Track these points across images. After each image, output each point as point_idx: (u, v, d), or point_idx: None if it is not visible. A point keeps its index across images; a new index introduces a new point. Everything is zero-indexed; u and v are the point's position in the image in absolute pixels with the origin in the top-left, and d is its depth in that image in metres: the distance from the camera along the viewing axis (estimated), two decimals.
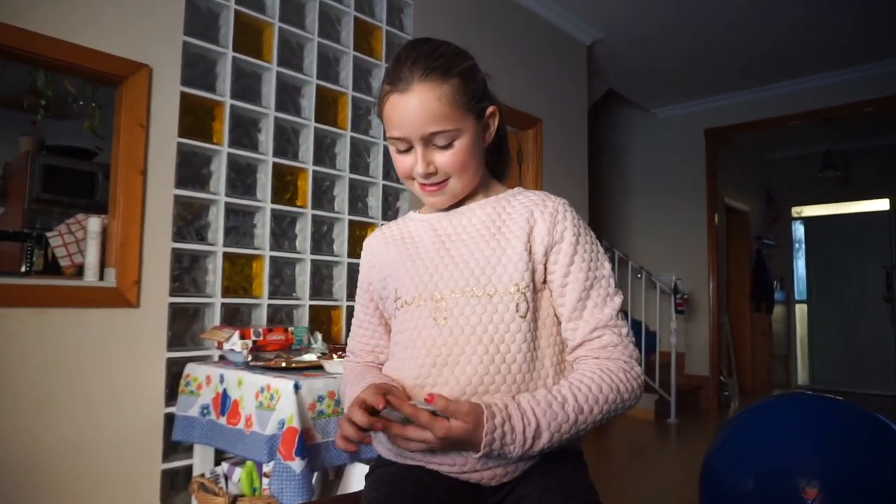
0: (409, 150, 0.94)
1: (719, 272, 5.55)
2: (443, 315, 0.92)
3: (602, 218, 5.78)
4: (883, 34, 4.12)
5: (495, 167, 1.09)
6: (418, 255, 0.99)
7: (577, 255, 0.94)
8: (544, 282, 0.95)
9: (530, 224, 0.95)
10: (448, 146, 0.92)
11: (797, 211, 7.20)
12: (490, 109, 0.98)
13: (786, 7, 3.76)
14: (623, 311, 0.96)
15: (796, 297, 7.16)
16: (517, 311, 0.90)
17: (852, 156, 6.46)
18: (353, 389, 0.95)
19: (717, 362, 5.39)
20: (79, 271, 2.18)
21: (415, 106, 0.89)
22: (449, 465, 0.89)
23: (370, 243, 1.08)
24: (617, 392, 0.89)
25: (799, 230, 7.25)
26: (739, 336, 6.21)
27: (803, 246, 7.22)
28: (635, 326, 4.98)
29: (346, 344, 1.16)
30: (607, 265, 0.97)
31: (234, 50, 2.35)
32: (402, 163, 0.95)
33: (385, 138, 1.02)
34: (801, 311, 7.16)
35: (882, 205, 6.56)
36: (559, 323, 0.95)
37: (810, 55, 4.47)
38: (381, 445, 0.98)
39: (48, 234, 2.27)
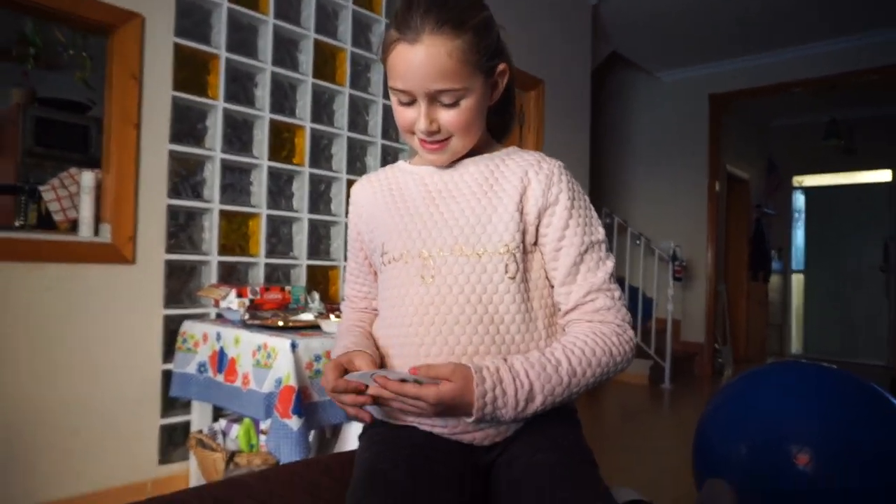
0: (411, 103, 0.89)
1: (718, 240, 5.53)
2: (430, 273, 0.89)
3: (602, 183, 5.74)
4: (892, 1, 4.01)
5: (498, 126, 1.05)
6: (406, 209, 0.96)
7: (571, 220, 0.92)
8: (535, 244, 0.93)
9: (524, 184, 0.92)
10: (454, 104, 0.88)
11: (798, 180, 7.15)
12: (500, 67, 0.93)
13: None
14: (615, 276, 0.95)
15: (793, 267, 7.18)
16: (506, 272, 0.89)
17: (856, 125, 6.38)
18: (336, 351, 0.96)
19: (712, 330, 5.43)
20: (73, 226, 2.16)
21: (423, 60, 0.83)
22: (441, 426, 0.89)
23: (357, 192, 1.05)
24: (610, 355, 0.88)
25: (799, 200, 7.21)
26: (736, 304, 6.24)
27: (803, 216, 7.19)
28: (633, 293, 4.99)
29: (343, 303, 1.15)
30: (601, 229, 0.95)
31: (230, 1, 2.27)
32: (403, 116, 0.91)
33: (386, 87, 0.97)
34: (797, 280, 7.18)
35: (884, 175, 6.51)
36: (550, 286, 0.94)
37: (817, 21, 4.37)
38: (374, 407, 0.97)
39: (41, 188, 2.24)
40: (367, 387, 0.84)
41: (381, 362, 0.92)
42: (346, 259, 2.65)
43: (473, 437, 0.89)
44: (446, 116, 0.89)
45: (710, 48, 4.99)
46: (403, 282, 0.92)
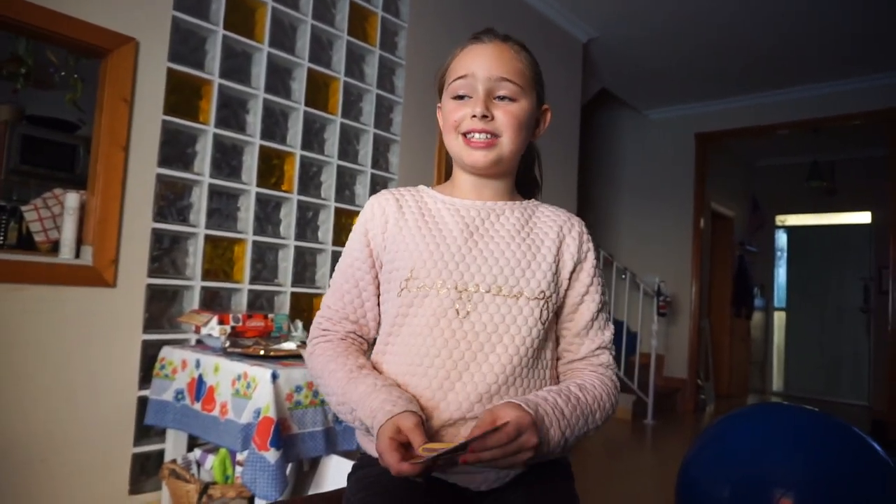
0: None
1: (702, 276, 5.58)
2: (465, 308, 0.88)
3: (588, 216, 5.78)
4: (873, 48, 4.14)
5: (524, 186, 1.10)
6: (443, 239, 0.93)
7: (595, 279, 0.98)
8: (563, 297, 0.97)
9: (560, 238, 0.97)
10: (511, 100, 0.93)
11: (781, 219, 7.27)
12: (545, 106, 1.03)
13: (781, 16, 3.77)
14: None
15: (775, 305, 7.25)
16: (540, 317, 0.91)
17: (838, 167, 6.52)
18: (368, 399, 0.84)
19: (695, 365, 5.44)
20: (54, 247, 2.13)
21: (494, 51, 0.93)
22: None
23: (383, 204, 0.98)
24: (610, 404, 0.93)
25: (782, 238, 7.32)
26: (718, 340, 6.27)
27: (785, 254, 7.29)
28: (617, 327, 4.99)
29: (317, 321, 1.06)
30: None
31: (225, 28, 2.29)
32: (455, 111, 0.94)
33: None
34: (779, 318, 7.24)
35: (864, 217, 6.64)
36: (556, 338, 0.98)
37: (802, 66, 4.50)
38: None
39: (23, 208, 2.21)
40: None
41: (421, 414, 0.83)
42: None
43: (471, 480, 0.88)
44: (501, 110, 0.92)
45: (697, 89, 5.10)
46: (435, 312, 0.88)
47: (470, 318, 0.88)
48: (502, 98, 0.92)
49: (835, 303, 6.73)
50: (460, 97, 0.94)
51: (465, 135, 0.93)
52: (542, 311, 0.91)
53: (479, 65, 0.92)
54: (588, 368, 0.96)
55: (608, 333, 0.98)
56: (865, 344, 6.43)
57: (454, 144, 0.95)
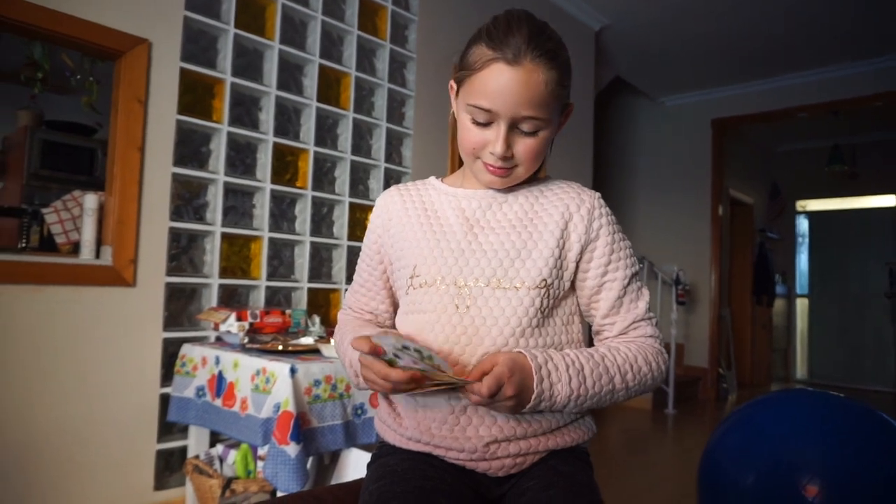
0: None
1: (722, 264, 5.51)
2: (465, 303, 0.88)
3: None
4: (893, 28, 4.04)
5: None
6: (444, 235, 0.93)
7: (613, 255, 0.93)
8: (573, 280, 0.94)
9: (565, 219, 0.92)
10: (533, 133, 0.87)
11: (801, 205, 7.15)
12: (570, 107, 0.96)
13: None
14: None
15: (798, 292, 7.14)
16: (541, 305, 0.89)
17: (860, 150, 6.39)
18: (348, 339, 0.93)
19: (716, 354, 5.38)
20: (74, 248, 2.16)
21: (521, 83, 0.83)
22: (458, 450, 0.87)
23: (387, 204, 1.00)
24: (648, 367, 0.90)
25: (803, 224, 7.20)
26: (739, 329, 6.19)
27: (807, 240, 7.18)
28: None
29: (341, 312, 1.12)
30: (635, 258, 0.97)
31: (236, 26, 2.30)
32: (475, 136, 0.88)
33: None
34: (801, 305, 7.14)
35: (888, 200, 6.50)
36: (581, 318, 0.96)
37: (820, 47, 4.40)
38: (386, 426, 0.95)
39: (44, 211, 2.25)
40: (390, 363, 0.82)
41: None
42: (348, 282, 2.65)
43: (489, 466, 0.87)
44: (522, 145, 0.88)
45: (713, 74, 5.03)
46: (436, 307, 0.90)
47: (470, 313, 0.88)
48: (524, 131, 0.87)
49: (858, 288, 6.61)
50: (480, 123, 0.87)
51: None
52: (541, 299, 0.88)
53: (504, 101, 0.83)
54: (625, 341, 0.93)
55: (642, 304, 0.94)
56: (890, 330, 6.31)
57: (469, 161, 0.92)
